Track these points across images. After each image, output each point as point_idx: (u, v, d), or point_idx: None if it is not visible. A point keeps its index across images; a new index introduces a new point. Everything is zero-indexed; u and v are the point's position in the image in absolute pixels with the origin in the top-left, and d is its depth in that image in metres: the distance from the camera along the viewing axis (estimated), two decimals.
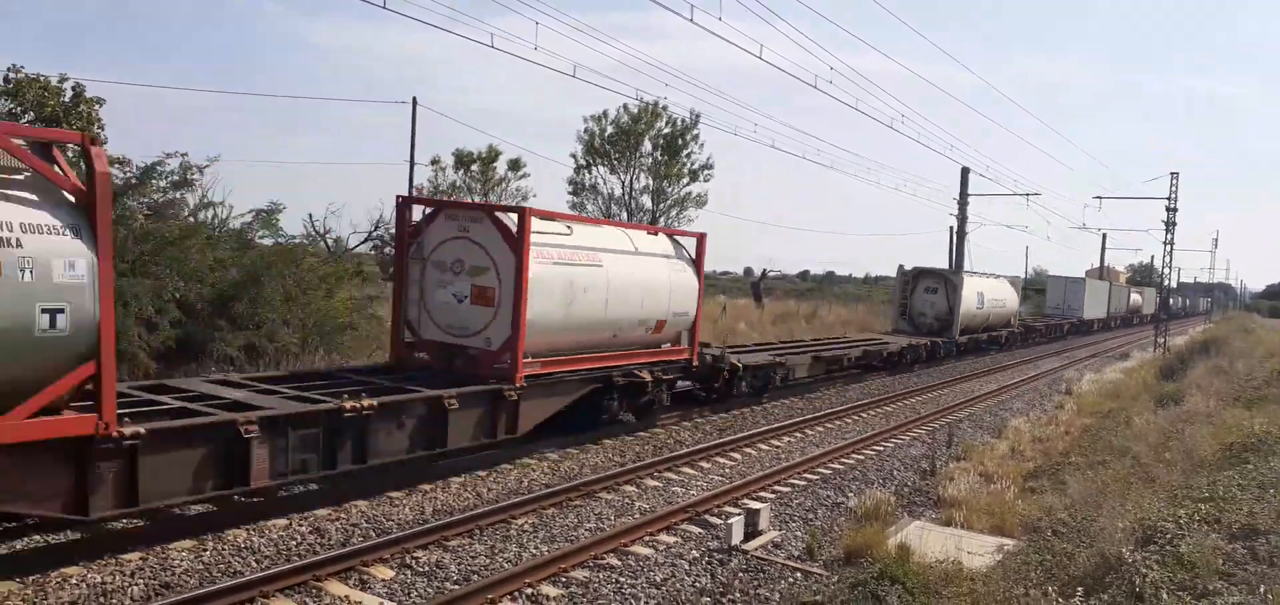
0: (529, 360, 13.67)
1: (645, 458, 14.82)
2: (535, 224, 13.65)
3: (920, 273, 37.10)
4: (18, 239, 7.55)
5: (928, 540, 10.72)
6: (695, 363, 18.37)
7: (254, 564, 9.10)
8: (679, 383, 18.68)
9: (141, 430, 8.65)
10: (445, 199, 14.74)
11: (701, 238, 18.66)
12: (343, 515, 10.71)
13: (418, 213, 14.94)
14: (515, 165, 45.84)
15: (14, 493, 7.96)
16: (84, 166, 8.19)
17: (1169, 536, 7.44)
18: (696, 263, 18.22)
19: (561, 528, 11.01)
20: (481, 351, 13.81)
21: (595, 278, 15.02)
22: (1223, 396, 20.07)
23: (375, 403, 11.24)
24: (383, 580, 8.95)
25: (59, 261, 7.77)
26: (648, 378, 16.55)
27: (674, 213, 48.95)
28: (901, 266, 37.51)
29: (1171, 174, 42.52)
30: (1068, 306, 56.54)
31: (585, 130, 48.78)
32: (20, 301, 7.52)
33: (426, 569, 9.31)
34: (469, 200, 13.41)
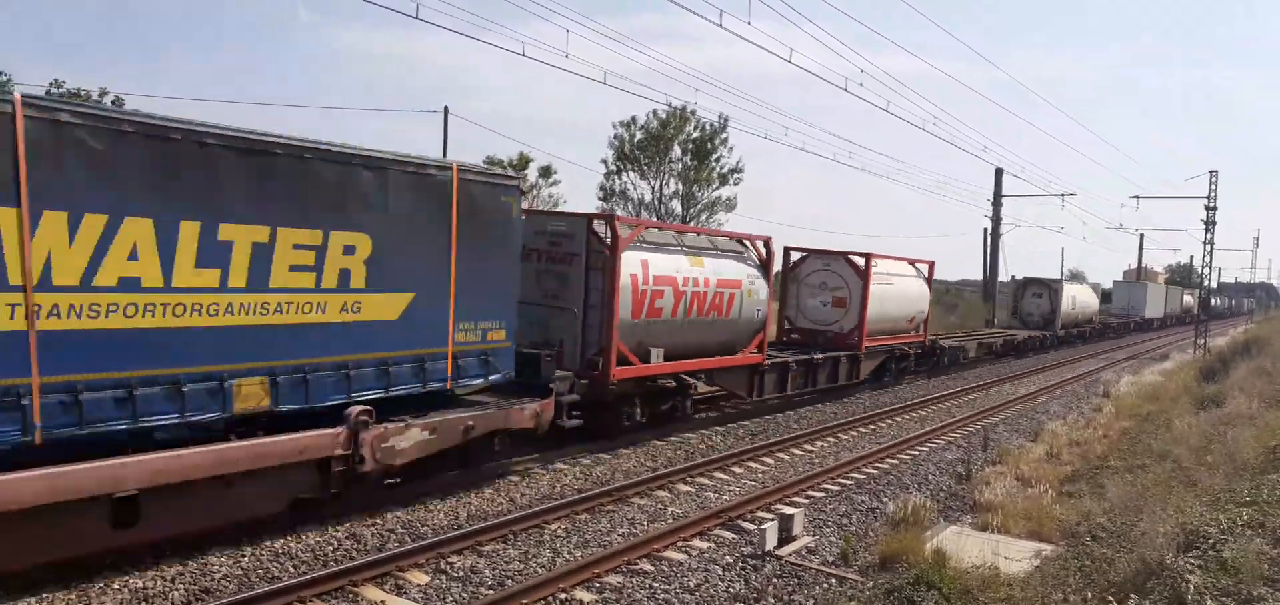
0: (867, 339, 24.24)
1: (677, 463, 14.81)
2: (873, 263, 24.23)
3: (1028, 281, 47.07)
4: (749, 281, 18.43)
5: (964, 545, 10.62)
6: (926, 344, 28.96)
7: (292, 569, 9.20)
8: (914, 357, 28.48)
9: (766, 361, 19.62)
10: (815, 249, 25.46)
11: (931, 264, 28.99)
12: (378, 521, 10.80)
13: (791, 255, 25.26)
14: (546, 172, 46.09)
15: (738, 384, 19.29)
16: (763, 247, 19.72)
17: (1212, 541, 7.31)
18: (928, 279, 28.75)
19: (594, 533, 11.02)
20: (836, 334, 24.09)
21: (892, 291, 25.63)
22: (1265, 398, 19.66)
23: (821, 357, 22.40)
24: (418, 585, 9.01)
25: (761, 291, 18.87)
26: (909, 352, 27.69)
27: (703, 216, 48.86)
28: (1013, 276, 47.13)
29: (1211, 172, 41.82)
30: (1132, 307, 64.63)
31: (615, 136, 48.90)
32: (752, 308, 18.59)
33: (461, 574, 9.36)
34: (830, 249, 24.08)
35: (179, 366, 8.71)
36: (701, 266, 17.33)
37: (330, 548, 9.86)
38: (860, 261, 23.98)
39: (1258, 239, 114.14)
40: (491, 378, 12.38)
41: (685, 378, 17.81)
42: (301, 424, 9.82)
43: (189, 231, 8.67)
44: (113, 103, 24.72)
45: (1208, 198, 41.70)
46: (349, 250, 10.11)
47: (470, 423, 11.79)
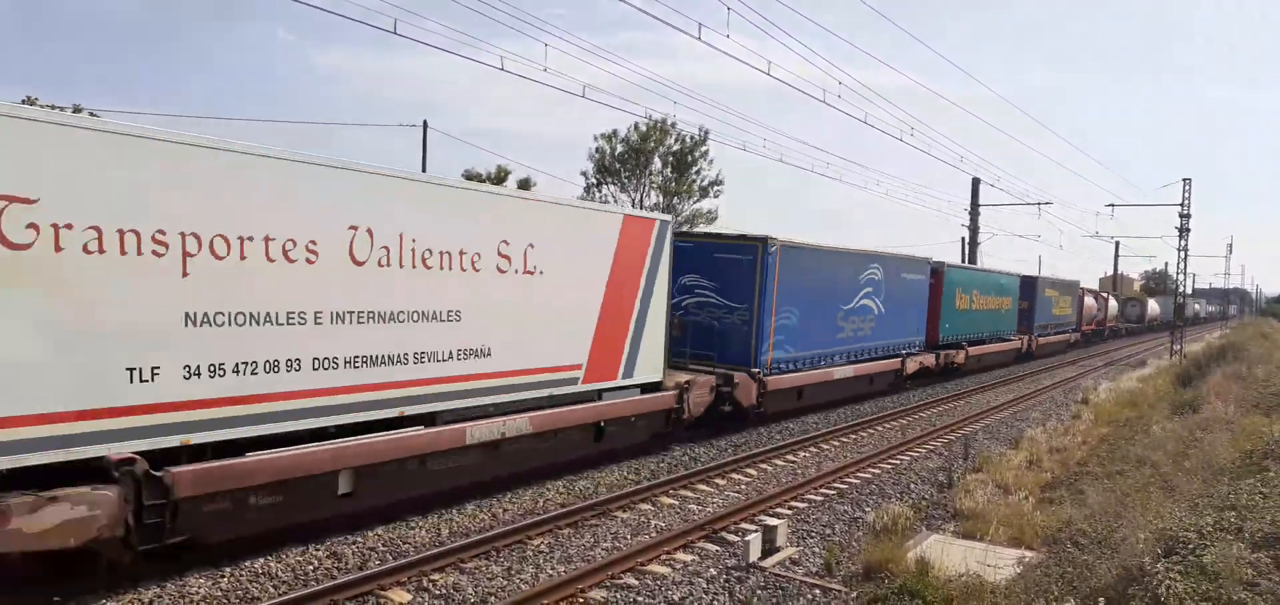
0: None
1: (661, 476, 14.78)
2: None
3: (1127, 299, 61.01)
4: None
5: (946, 554, 10.64)
6: (1081, 331, 45.42)
7: (272, 590, 9.10)
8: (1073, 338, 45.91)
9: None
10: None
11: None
12: (360, 540, 10.71)
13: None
14: (525, 185, 45.95)
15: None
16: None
17: (1191, 547, 7.35)
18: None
19: (578, 548, 10.98)
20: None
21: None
22: (1242, 403, 19.86)
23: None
24: (399, 604, 8.93)
25: None
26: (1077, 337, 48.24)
27: (685, 229, 48.87)
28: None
29: (1184, 180, 42.31)
30: (1136, 312, 76.50)
31: (596, 149, 48.88)
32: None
33: (443, 592, 9.29)
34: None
35: None
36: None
37: (311, 567, 9.77)
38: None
39: (1230, 245, 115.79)
40: None
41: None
42: None
43: None
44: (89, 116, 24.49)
45: (1182, 205, 42.16)
46: None
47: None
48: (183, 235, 8.92)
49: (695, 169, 49.00)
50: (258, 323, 9.66)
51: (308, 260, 10.11)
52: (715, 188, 49.73)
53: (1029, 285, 41.74)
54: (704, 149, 48.43)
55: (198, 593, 8.86)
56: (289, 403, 10.07)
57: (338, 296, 10.50)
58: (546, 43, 53.08)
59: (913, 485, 15.49)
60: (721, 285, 19.97)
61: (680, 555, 10.94)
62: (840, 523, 12.87)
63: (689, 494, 13.87)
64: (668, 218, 16.69)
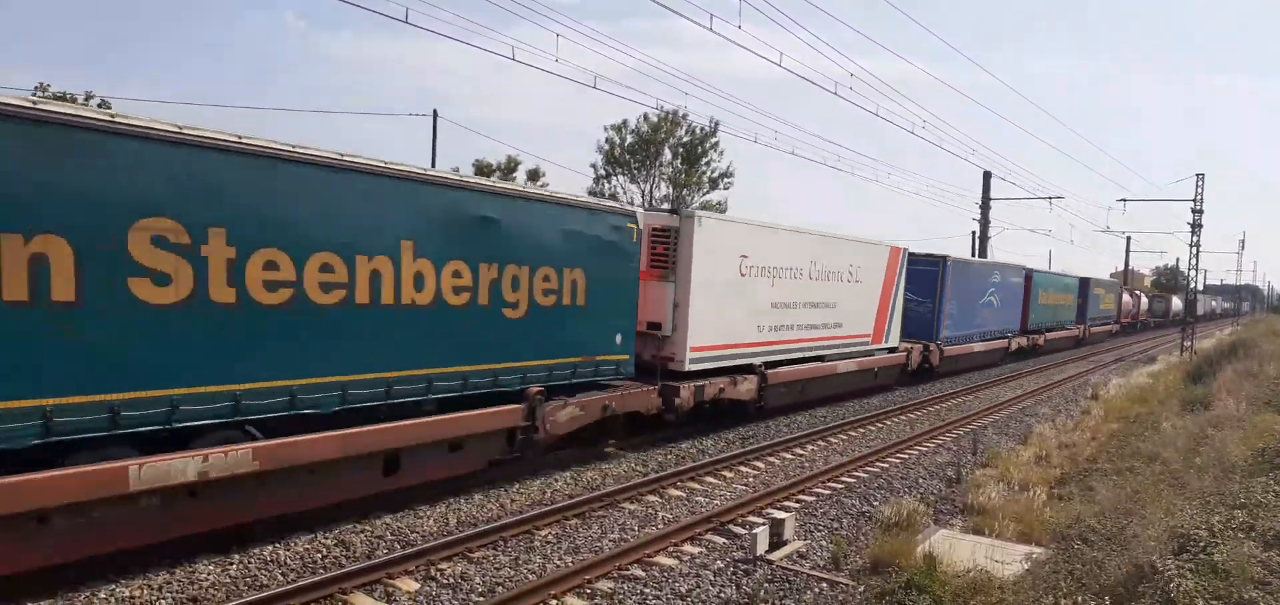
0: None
1: (668, 467, 14.78)
2: None
3: (1155, 296, 64.49)
4: None
5: (955, 549, 10.61)
6: (1119, 323, 55.60)
7: (280, 577, 9.13)
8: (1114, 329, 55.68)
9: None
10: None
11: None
12: (368, 528, 10.74)
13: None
14: (534, 175, 45.95)
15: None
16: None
17: (1202, 545, 7.31)
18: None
19: (585, 539, 10.98)
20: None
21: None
22: (1253, 401, 19.75)
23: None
24: (408, 592, 8.96)
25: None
26: (1116, 328, 58.26)
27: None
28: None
29: (1197, 175, 42.02)
30: (1162, 307, 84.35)
31: (605, 139, 48.83)
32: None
33: (451, 581, 9.31)
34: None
35: None
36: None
37: (319, 555, 9.80)
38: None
39: (1243, 241, 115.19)
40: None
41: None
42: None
43: None
44: (98, 105, 24.55)
45: (1194, 201, 41.90)
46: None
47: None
48: (775, 268, 19.48)
49: (706, 160, 48.92)
50: (788, 308, 20.11)
51: (802, 276, 20.65)
52: (725, 180, 49.66)
53: (1084, 285, 51.35)
54: (714, 140, 48.34)
55: (207, 579, 8.90)
56: (792, 348, 20.64)
57: (805, 294, 20.78)
58: (557, 33, 52.92)
59: (921, 480, 15.46)
60: (917, 288, 28.78)
61: (687, 547, 10.94)
62: (848, 517, 12.85)
63: (696, 486, 13.87)
64: (905, 246, 26.41)
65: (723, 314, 17.71)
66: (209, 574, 9.01)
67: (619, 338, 15.11)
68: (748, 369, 18.80)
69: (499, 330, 12.65)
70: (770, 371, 19.32)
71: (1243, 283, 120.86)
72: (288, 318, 9.74)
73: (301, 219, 9.85)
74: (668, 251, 16.73)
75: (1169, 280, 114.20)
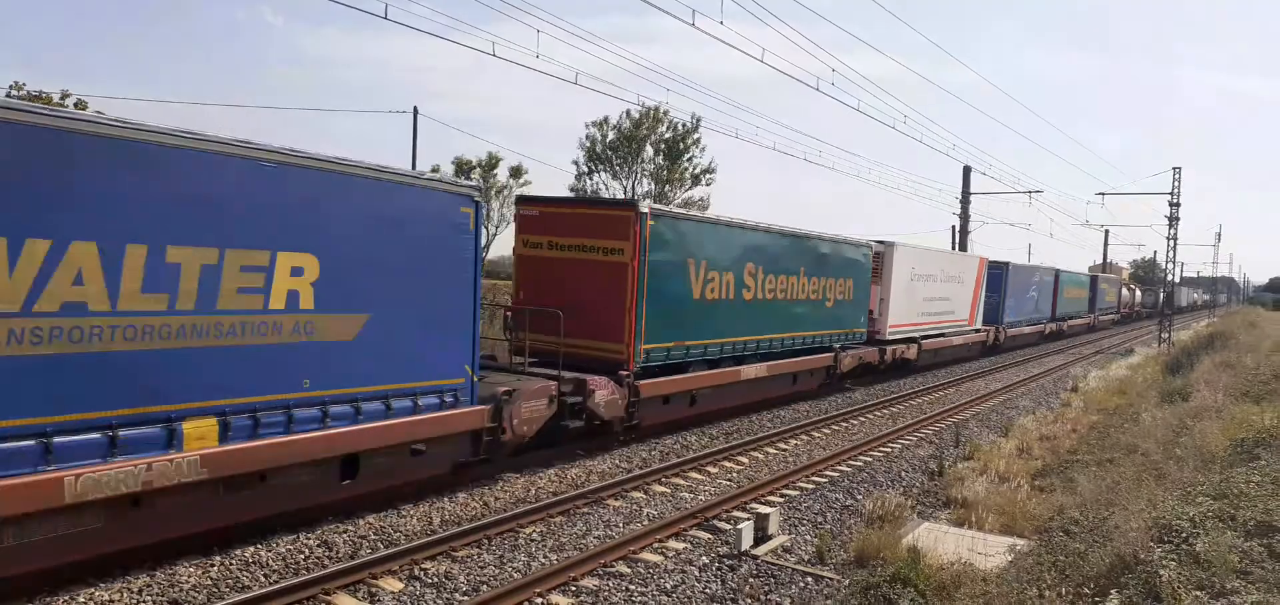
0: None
1: (652, 464, 14.77)
2: None
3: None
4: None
5: (938, 541, 10.66)
6: (1120, 313, 67.44)
7: (262, 578, 9.06)
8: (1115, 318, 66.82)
9: None
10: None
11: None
12: (351, 528, 10.66)
13: None
14: (516, 172, 45.91)
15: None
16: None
17: (1184, 535, 7.37)
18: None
19: (570, 536, 10.95)
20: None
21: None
22: (1231, 391, 19.93)
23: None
24: (391, 592, 8.90)
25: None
26: (1117, 317, 67.89)
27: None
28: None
29: (1174, 168, 42.49)
30: (1151, 299, 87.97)
31: (587, 136, 48.77)
32: None
33: (435, 580, 9.26)
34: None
35: None
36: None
37: (302, 556, 9.72)
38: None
39: (1219, 234, 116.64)
40: None
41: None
42: None
43: None
44: (75, 105, 24.26)
45: (1171, 194, 42.30)
46: None
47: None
48: (926, 275, 29.60)
49: (687, 157, 48.93)
50: (930, 301, 30.03)
51: (936, 279, 29.91)
52: (707, 175, 49.72)
53: (1094, 280, 61.98)
54: (696, 136, 48.37)
55: (188, 581, 8.80)
56: (931, 327, 30.53)
57: (939, 292, 30.38)
58: (538, 29, 52.71)
59: (904, 473, 15.52)
60: (990, 283, 36.88)
61: (672, 543, 10.93)
62: (832, 511, 12.88)
63: (681, 482, 13.86)
64: (984, 256, 36.87)
65: (902, 305, 27.75)
66: (190, 576, 8.91)
67: (862, 318, 25.09)
68: (912, 340, 28.89)
69: (821, 313, 22.48)
70: (924, 342, 29.79)
71: (1219, 275, 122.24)
72: (728, 305, 18.38)
73: (725, 256, 18.22)
74: (879, 266, 26.32)
75: (1147, 273, 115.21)
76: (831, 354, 23.16)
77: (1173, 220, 42.60)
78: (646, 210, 15.62)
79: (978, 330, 35.52)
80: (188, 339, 8.76)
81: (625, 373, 15.43)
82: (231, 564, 9.30)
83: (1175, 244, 43.79)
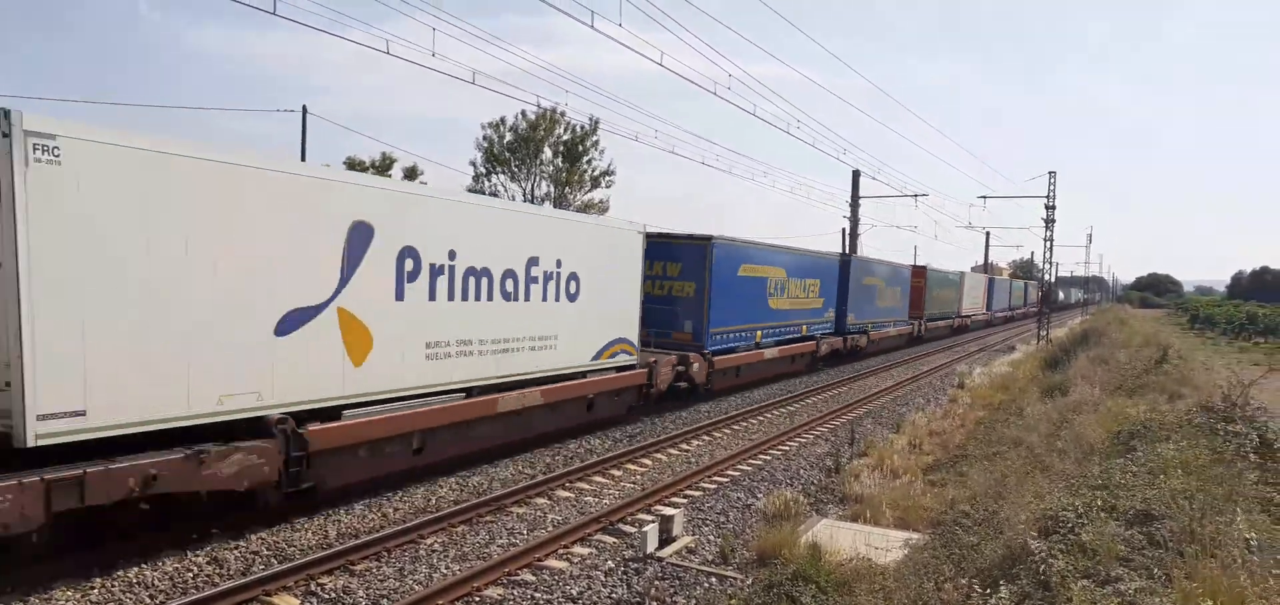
0: None
1: (556, 469, 14.66)
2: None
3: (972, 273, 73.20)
4: None
5: (837, 537, 10.87)
6: (1028, 308, 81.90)
7: (147, 600, 8.61)
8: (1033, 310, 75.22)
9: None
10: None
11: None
12: (242, 544, 10.24)
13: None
14: (411, 173, 44.98)
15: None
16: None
17: (1070, 526, 7.69)
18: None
19: (473, 545, 10.77)
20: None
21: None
22: (1106, 386, 20.99)
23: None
24: None
25: None
26: (1036, 309, 65.67)
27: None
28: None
29: (1049, 173, 44.46)
30: (1055, 296, 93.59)
31: (484, 137, 48.18)
32: None
33: (333, 595, 8.97)
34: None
35: None
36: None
37: (190, 574, 9.28)
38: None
39: (1090, 236, 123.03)
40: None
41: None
42: None
43: None
44: None
45: (1047, 197, 44.28)
46: None
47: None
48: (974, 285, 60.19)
49: (586, 159, 48.84)
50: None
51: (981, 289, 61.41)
52: (606, 178, 49.73)
53: (1021, 282, 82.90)
54: (595, 139, 48.32)
55: None
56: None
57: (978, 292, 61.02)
58: (433, 26, 51.85)
59: (802, 471, 15.80)
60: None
61: (577, 549, 10.86)
62: (734, 510, 13.01)
63: (585, 486, 13.80)
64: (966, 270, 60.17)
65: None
66: (67, 600, 8.41)
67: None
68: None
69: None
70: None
71: (1090, 274, 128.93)
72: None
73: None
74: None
75: (1025, 272, 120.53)
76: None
77: (1049, 222, 44.61)
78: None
79: (964, 316, 50.00)
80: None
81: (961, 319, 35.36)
82: (113, 586, 8.82)
83: (1052, 245, 45.91)
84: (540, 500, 12.86)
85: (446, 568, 9.96)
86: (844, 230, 50.90)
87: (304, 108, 36.15)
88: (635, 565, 10.33)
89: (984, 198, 59.93)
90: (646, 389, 19.40)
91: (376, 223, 11.77)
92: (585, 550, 10.82)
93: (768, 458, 16.65)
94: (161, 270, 9.11)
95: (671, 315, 22.67)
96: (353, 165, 43.74)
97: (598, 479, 14.26)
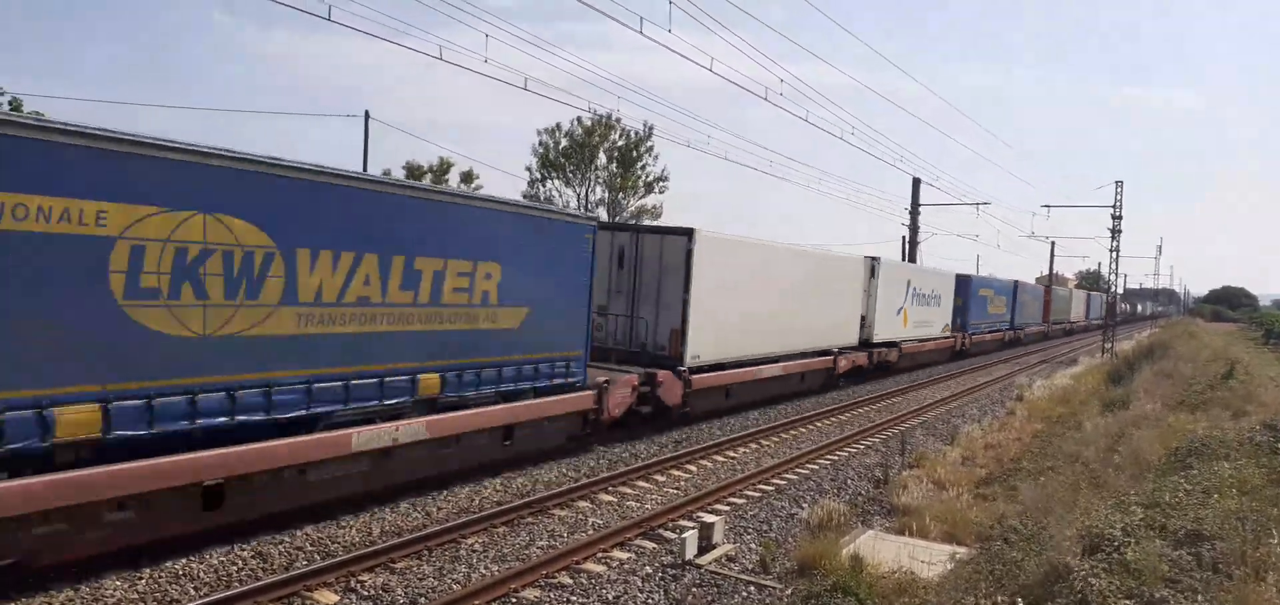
0: None
1: (600, 472, 14.68)
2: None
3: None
4: None
5: (881, 549, 10.71)
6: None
7: (192, 591, 8.81)
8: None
9: None
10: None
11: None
12: (287, 539, 10.43)
13: None
14: (468, 178, 45.53)
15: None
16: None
17: (1115, 544, 7.46)
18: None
19: (512, 547, 10.82)
20: None
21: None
22: (1168, 401, 20.36)
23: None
24: None
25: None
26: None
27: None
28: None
29: (1116, 182, 43.43)
30: (1128, 308, 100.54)
31: (540, 143, 48.57)
32: None
33: (371, 592, 9.08)
34: None
35: None
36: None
37: (235, 568, 9.48)
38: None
39: (1160, 246, 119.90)
40: None
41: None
42: None
43: None
44: (9, 105, 23.59)
45: (1114, 207, 43.20)
46: None
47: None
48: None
49: (640, 164, 48.94)
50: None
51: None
52: (660, 184, 49.76)
53: (1083, 293, 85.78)
54: (649, 144, 48.40)
55: (113, 595, 8.54)
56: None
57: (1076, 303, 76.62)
58: (486, 33, 52.53)
59: (850, 481, 15.60)
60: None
61: (616, 553, 10.85)
62: (777, 519, 12.89)
63: (628, 491, 13.79)
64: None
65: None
66: (115, 589, 8.65)
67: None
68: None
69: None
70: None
71: (1160, 286, 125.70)
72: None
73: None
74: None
75: (1091, 283, 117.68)
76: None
77: (1115, 232, 43.51)
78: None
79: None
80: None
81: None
82: (160, 576, 9.05)
83: (1118, 255, 44.76)
84: (582, 504, 12.88)
85: (486, 568, 10.03)
86: (903, 238, 50.22)
87: (366, 113, 36.82)
88: (673, 571, 10.29)
89: (1048, 207, 58.88)
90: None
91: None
92: (624, 555, 10.81)
93: (816, 466, 16.46)
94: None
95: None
96: (412, 169, 44.40)
97: (641, 484, 14.24)
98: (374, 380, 11.60)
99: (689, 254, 18.50)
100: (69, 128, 8.30)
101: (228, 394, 9.77)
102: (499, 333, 13.75)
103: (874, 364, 30.52)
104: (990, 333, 47.29)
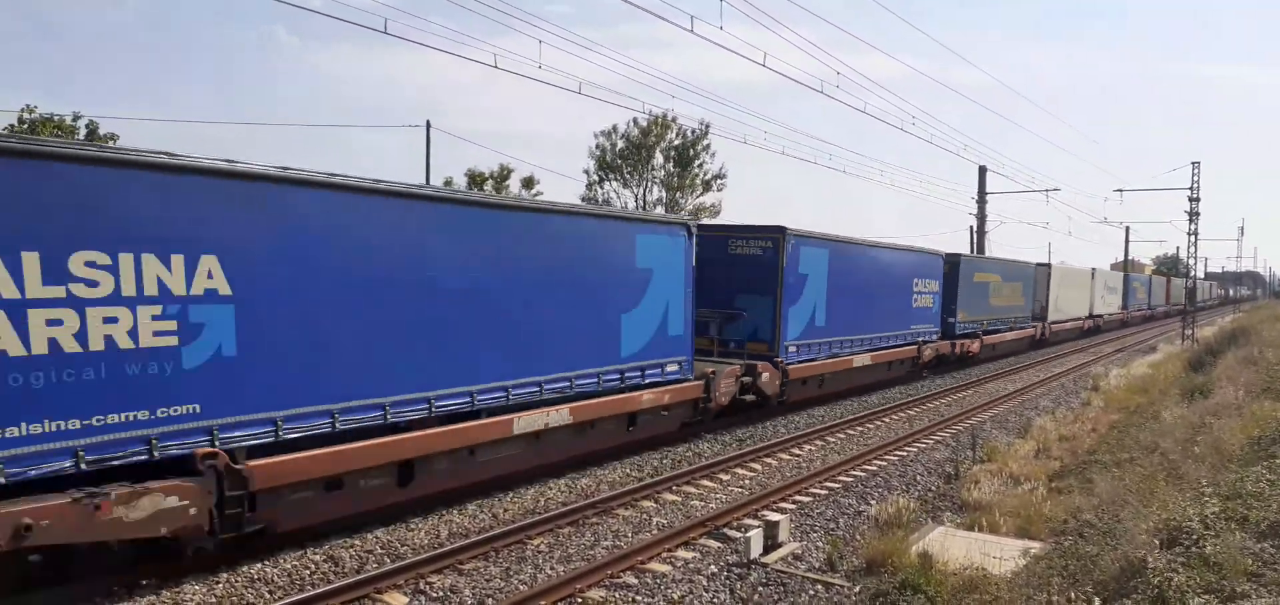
0: None
1: (663, 472, 14.68)
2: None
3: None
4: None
5: (950, 546, 10.51)
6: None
7: (267, 595, 9.04)
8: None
9: None
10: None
11: None
12: (358, 542, 10.65)
13: None
14: (528, 183, 45.91)
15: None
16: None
17: (1195, 537, 7.21)
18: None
19: (577, 547, 10.89)
20: None
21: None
22: (1252, 388, 19.61)
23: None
24: None
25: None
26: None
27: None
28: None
29: (1193, 163, 41.97)
30: (1217, 293, 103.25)
31: (596, 145, 48.75)
32: None
33: (440, 594, 9.22)
34: None
35: None
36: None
37: (308, 572, 9.71)
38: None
39: (1242, 228, 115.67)
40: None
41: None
42: None
43: None
44: (87, 127, 24.49)
45: (1191, 189, 41.79)
46: None
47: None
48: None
49: (698, 163, 48.82)
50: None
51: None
52: (718, 181, 49.59)
53: (1166, 277, 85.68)
54: (706, 142, 48.26)
55: (192, 599, 8.81)
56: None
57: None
58: (540, 39, 52.93)
59: (919, 476, 15.36)
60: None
61: (681, 552, 10.84)
62: (844, 516, 12.75)
63: (692, 490, 13.77)
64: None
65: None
66: (194, 594, 8.92)
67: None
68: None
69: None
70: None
71: (1243, 269, 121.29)
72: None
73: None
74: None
75: (1169, 269, 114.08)
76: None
77: (1193, 215, 42.08)
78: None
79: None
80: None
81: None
82: (237, 580, 9.30)
83: (1196, 239, 43.30)
84: (646, 504, 12.90)
85: (551, 568, 10.10)
86: (971, 227, 49.33)
87: (428, 122, 37.45)
88: (738, 571, 10.24)
89: (1120, 191, 57.05)
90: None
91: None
92: (689, 554, 10.79)
93: (883, 463, 16.24)
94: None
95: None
96: (474, 177, 44.95)
97: (705, 483, 14.21)
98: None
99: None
100: None
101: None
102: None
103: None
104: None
